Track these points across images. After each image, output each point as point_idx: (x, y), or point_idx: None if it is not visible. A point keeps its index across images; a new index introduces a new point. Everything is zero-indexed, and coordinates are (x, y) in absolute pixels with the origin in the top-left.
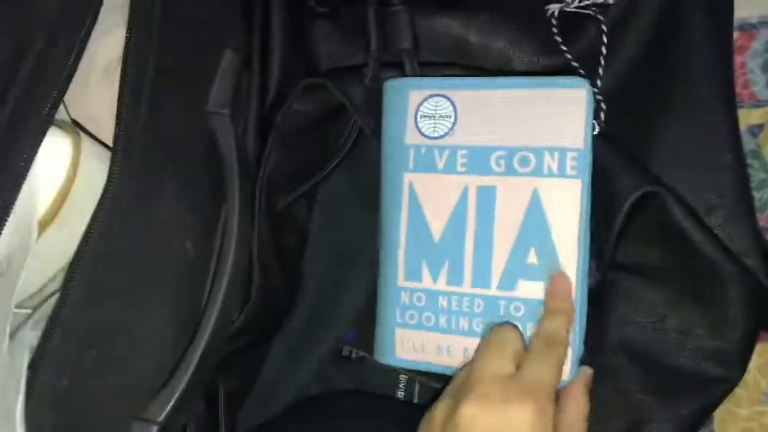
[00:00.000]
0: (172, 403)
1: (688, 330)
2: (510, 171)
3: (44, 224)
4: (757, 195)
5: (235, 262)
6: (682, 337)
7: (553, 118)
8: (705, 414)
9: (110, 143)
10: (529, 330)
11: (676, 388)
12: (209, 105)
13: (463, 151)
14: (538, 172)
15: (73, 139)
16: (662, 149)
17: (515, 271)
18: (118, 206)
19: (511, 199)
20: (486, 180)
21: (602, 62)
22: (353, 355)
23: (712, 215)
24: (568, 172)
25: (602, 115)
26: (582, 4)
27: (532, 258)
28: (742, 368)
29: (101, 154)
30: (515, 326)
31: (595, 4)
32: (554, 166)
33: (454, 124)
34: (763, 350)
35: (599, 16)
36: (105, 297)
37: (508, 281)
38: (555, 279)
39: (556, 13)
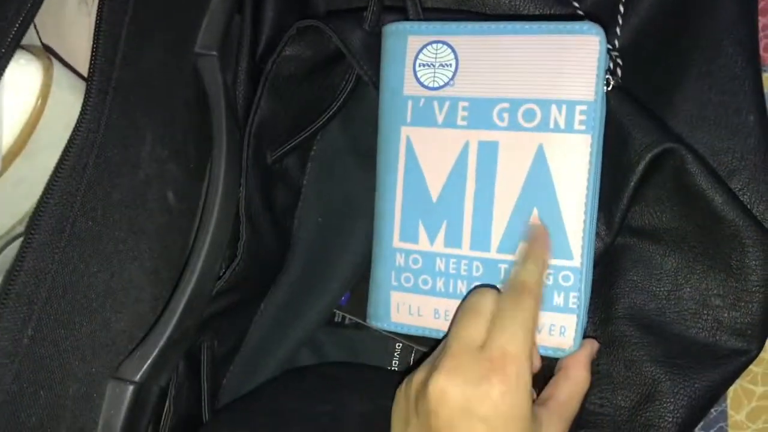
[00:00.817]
0: (149, 362)
1: (704, 300)
2: (514, 125)
3: (10, 156)
4: None
5: (220, 213)
6: (698, 307)
7: (561, 68)
8: (720, 389)
9: (86, 76)
10: None
11: (690, 360)
12: (197, 45)
13: (465, 104)
14: (543, 126)
15: (44, 65)
16: (681, 109)
17: (517, 232)
18: (93, 143)
19: (514, 156)
20: (488, 135)
21: (620, 15)
22: (347, 321)
23: (733, 178)
24: (576, 127)
25: (619, 71)
26: None
27: (535, 219)
28: (761, 342)
29: (75, 85)
30: (492, 289)
31: None
32: (561, 121)
33: (455, 73)
34: None
35: None
36: (75, 242)
37: (509, 243)
38: (532, 226)
39: None
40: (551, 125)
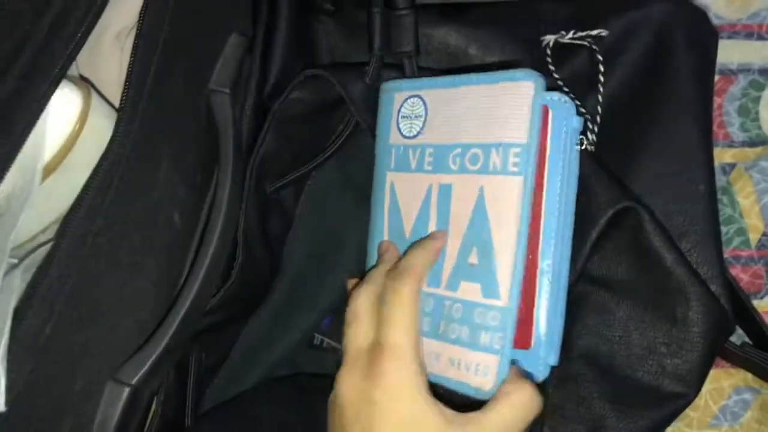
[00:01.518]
0: (146, 367)
1: (651, 346)
2: (463, 169)
3: (48, 171)
4: (723, 229)
5: (220, 236)
6: (645, 352)
7: (500, 113)
8: (660, 428)
9: (116, 106)
10: (465, 332)
11: (634, 400)
12: (211, 83)
13: (430, 150)
14: (485, 169)
15: (83, 94)
16: (641, 173)
17: (459, 270)
18: (119, 164)
19: (462, 198)
20: (445, 179)
21: (601, 85)
22: (324, 344)
23: (683, 240)
24: (510, 168)
25: (590, 135)
26: (576, 35)
27: (473, 258)
28: (698, 388)
29: (108, 113)
30: (360, 288)
31: (590, 36)
32: (498, 163)
33: (424, 123)
34: (716, 376)
35: (594, 47)
36: (95, 253)
37: (454, 281)
38: (433, 233)
39: (551, 44)
40: (490, 167)
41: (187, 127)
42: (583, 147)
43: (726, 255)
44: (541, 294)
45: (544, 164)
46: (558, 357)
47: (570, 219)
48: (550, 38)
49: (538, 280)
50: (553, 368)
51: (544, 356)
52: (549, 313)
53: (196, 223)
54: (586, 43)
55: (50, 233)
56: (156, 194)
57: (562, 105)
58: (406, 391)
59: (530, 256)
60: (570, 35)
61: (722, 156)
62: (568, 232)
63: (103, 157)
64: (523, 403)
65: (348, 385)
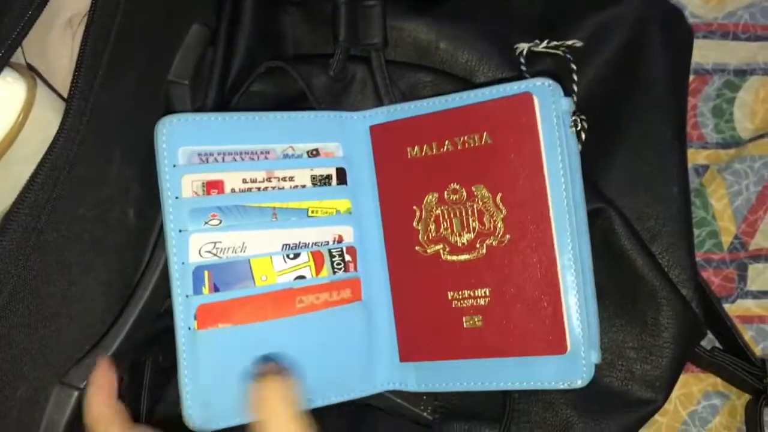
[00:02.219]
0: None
1: (620, 351)
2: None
3: None
4: (696, 231)
5: None
6: (614, 357)
7: None
8: None
9: (65, 96)
10: None
11: (601, 406)
12: (170, 74)
13: None
14: None
15: (28, 84)
16: (613, 173)
17: None
18: (66, 159)
19: None
20: None
21: (574, 94)
22: None
23: (655, 242)
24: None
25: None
26: (551, 45)
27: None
28: (667, 394)
29: (56, 104)
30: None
31: (564, 45)
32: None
33: None
34: (686, 381)
35: (568, 56)
36: (40, 251)
37: None
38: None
39: (524, 53)
40: None
41: (142, 120)
42: (579, 128)
43: (698, 258)
44: (567, 291)
45: (540, 153)
46: (599, 354)
47: (582, 208)
48: (523, 46)
49: (560, 276)
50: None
51: (585, 356)
52: (581, 309)
53: (153, 222)
54: (560, 52)
55: None
56: (106, 191)
57: (546, 89)
58: None
59: (541, 250)
60: (544, 45)
61: (696, 158)
62: (584, 223)
63: (49, 151)
64: None
65: None
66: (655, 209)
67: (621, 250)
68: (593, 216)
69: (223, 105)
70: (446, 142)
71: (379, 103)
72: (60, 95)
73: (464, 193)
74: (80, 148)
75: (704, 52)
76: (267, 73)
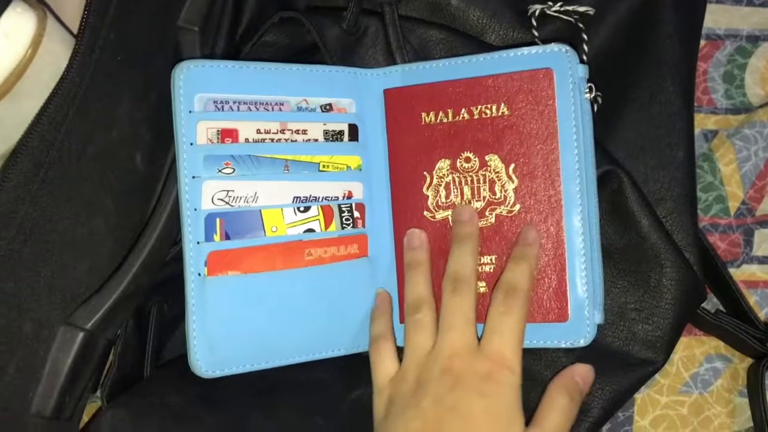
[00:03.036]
0: (102, 312)
1: (622, 312)
2: None
3: None
4: (703, 196)
5: None
6: (615, 318)
7: None
8: (628, 394)
9: (75, 32)
10: None
11: (604, 365)
12: (180, 20)
13: None
14: None
15: (38, 15)
16: (621, 136)
17: None
18: (75, 95)
19: None
20: None
21: (584, 54)
22: None
23: (660, 206)
24: None
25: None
26: (563, 9)
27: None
28: (666, 355)
29: (66, 38)
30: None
31: (576, 12)
32: None
33: None
34: (688, 344)
35: (580, 24)
36: (48, 188)
37: None
38: (525, 229)
39: (537, 13)
40: None
41: (151, 63)
42: (593, 96)
43: (704, 222)
44: (574, 256)
45: (556, 124)
46: (603, 315)
47: (593, 174)
48: (536, 7)
49: (567, 243)
50: (598, 327)
51: (589, 316)
52: (587, 271)
53: (161, 168)
54: (572, 19)
55: None
56: (115, 132)
57: (563, 56)
58: (505, 422)
59: (550, 220)
60: (557, 7)
61: (705, 122)
62: (593, 189)
63: (59, 85)
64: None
65: (457, 363)
66: (660, 173)
67: (628, 213)
68: (603, 178)
69: (233, 53)
70: (462, 111)
71: (391, 58)
72: (70, 30)
73: (477, 162)
74: (90, 85)
75: (716, 17)
76: (279, 24)
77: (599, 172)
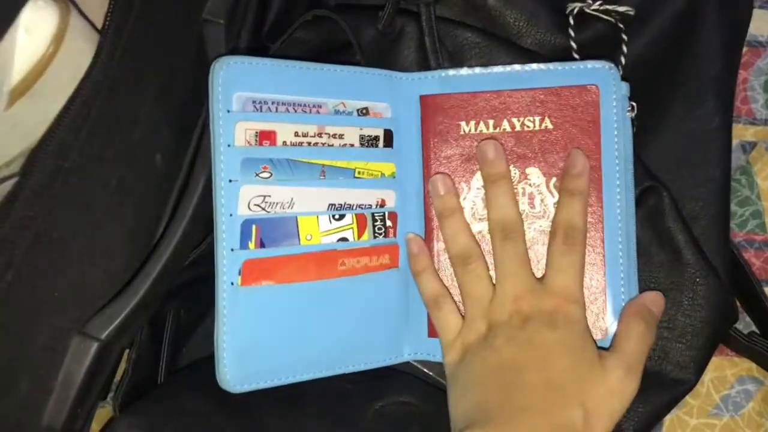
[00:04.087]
0: (117, 323)
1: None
2: None
3: (15, 96)
4: (739, 210)
5: (207, 182)
6: None
7: None
8: (662, 413)
9: (99, 27)
10: None
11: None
12: (205, 12)
13: None
14: None
15: (61, 10)
16: (658, 151)
17: None
18: (97, 95)
19: None
20: None
21: (623, 56)
22: None
23: (694, 224)
24: None
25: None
26: (602, 8)
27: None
28: (698, 376)
29: (89, 35)
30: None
31: (617, 12)
32: None
33: None
34: (720, 364)
35: (620, 24)
36: (66, 193)
37: None
38: (574, 153)
39: (575, 12)
40: None
41: (175, 59)
42: (634, 114)
43: (739, 238)
44: (613, 270)
45: (599, 141)
46: None
47: (632, 189)
48: (575, 6)
49: (606, 264)
50: None
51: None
52: (625, 287)
53: (180, 166)
54: (612, 18)
55: (14, 168)
56: (137, 132)
57: (607, 73)
58: (581, 353)
59: (589, 236)
60: (596, 5)
61: (743, 134)
62: (632, 204)
63: (81, 85)
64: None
65: (525, 307)
66: (696, 191)
67: (665, 230)
68: (641, 195)
69: (258, 49)
70: (504, 122)
71: (425, 61)
72: (94, 26)
73: (517, 174)
74: (113, 85)
75: (759, 24)
76: (311, 21)
77: (639, 189)
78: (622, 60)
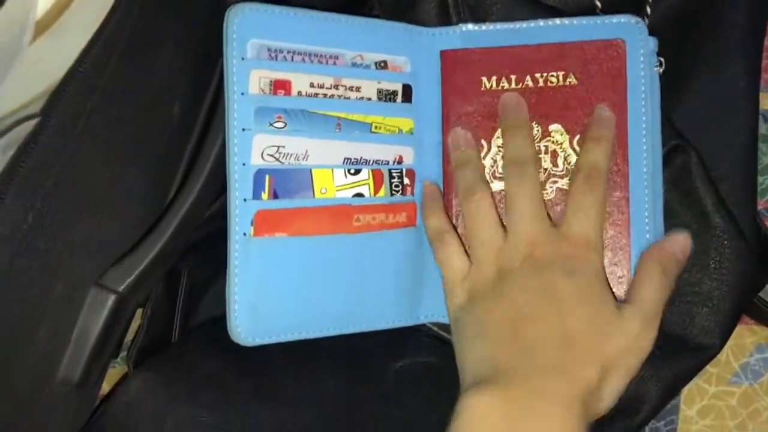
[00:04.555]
0: (135, 275)
1: (682, 292)
2: None
3: (39, 30)
4: (760, 179)
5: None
6: (675, 298)
7: None
8: (687, 379)
9: None
10: None
11: (664, 349)
12: None
13: None
14: None
15: None
16: (686, 111)
17: None
18: (120, 37)
19: None
20: None
21: (646, 17)
22: None
23: (720, 186)
24: None
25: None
26: None
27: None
28: (723, 341)
29: None
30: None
31: None
32: None
33: None
34: (739, 333)
35: None
36: (88, 136)
37: None
38: (599, 108)
39: None
40: None
41: (194, 8)
42: (662, 69)
43: (761, 207)
44: (638, 235)
45: (625, 97)
46: None
47: (659, 147)
48: None
49: (631, 223)
50: None
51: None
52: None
53: (196, 119)
54: None
55: (35, 108)
56: (156, 81)
57: (634, 27)
58: (597, 300)
59: (614, 195)
60: None
61: (763, 102)
62: (659, 163)
63: (104, 24)
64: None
65: (539, 252)
66: (722, 154)
67: (692, 190)
68: (668, 154)
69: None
70: (527, 78)
71: (445, 16)
72: None
73: (539, 132)
74: (135, 27)
75: None
76: None
77: (667, 147)
78: (647, 16)
